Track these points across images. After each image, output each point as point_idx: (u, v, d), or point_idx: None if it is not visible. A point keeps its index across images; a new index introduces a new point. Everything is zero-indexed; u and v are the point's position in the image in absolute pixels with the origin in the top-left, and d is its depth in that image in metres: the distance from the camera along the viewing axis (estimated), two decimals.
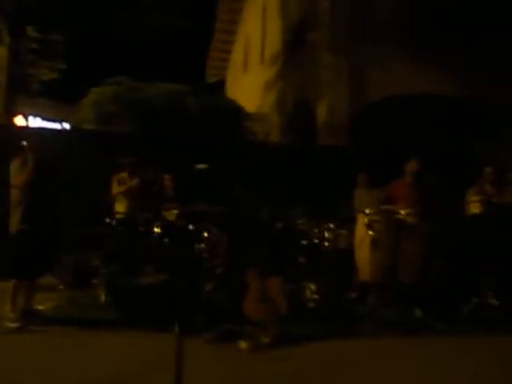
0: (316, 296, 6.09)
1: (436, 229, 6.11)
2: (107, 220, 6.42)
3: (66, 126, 11.11)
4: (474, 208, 6.12)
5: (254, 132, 9.16)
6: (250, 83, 14.70)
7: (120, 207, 6.69)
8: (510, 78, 8.01)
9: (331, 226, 6.54)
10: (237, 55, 18.08)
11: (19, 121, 8.68)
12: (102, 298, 5.97)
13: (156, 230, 6.31)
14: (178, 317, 3.66)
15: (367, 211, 6.26)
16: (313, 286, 6.13)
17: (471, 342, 5.21)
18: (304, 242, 6.50)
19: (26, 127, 8.69)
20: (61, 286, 6.59)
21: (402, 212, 6.14)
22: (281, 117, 9.35)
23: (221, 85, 19.89)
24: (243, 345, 4.85)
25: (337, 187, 7.06)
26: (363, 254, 6.33)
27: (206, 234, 6.36)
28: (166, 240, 6.26)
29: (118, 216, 6.49)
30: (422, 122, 7.88)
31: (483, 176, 6.51)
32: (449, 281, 6.18)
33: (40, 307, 5.64)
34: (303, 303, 6.04)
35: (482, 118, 7.94)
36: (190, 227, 6.34)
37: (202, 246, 6.31)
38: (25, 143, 5.42)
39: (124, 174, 6.79)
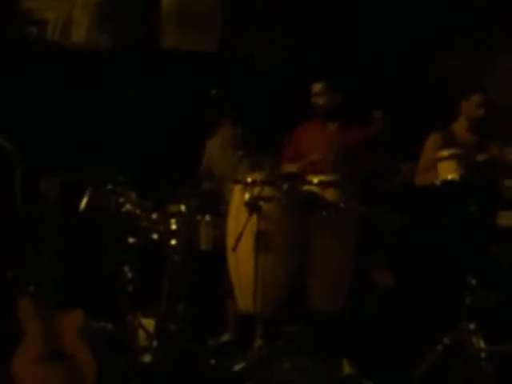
0: (155, 343, 4.05)
1: (379, 211, 4.18)
2: None
3: None
4: (446, 170, 4.01)
5: (41, 21, 6.95)
6: None
7: None
8: None
9: (182, 208, 4.24)
10: None
11: None
12: None
13: None
14: None
15: (249, 179, 3.97)
16: (150, 324, 4.15)
17: None
18: (131, 240, 4.25)
19: None
20: None
21: (315, 180, 4.00)
22: None
23: None
24: None
25: (190, 130, 5.04)
26: (242, 261, 4.02)
27: None
28: None
29: None
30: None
31: (462, 111, 4.47)
32: (400, 307, 4.30)
33: None
34: (133, 358, 4.03)
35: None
36: None
37: None
38: None
39: None
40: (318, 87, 4.55)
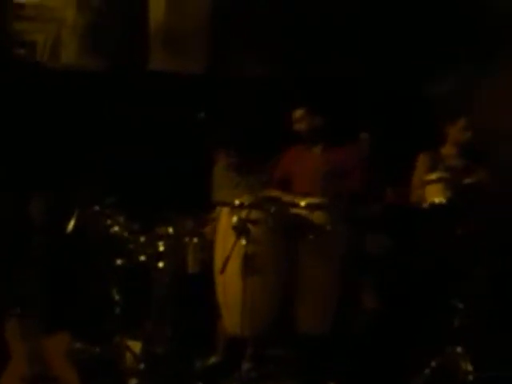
0: (142, 365, 4.04)
1: (365, 234, 4.19)
2: None
3: None
4: (434, 193, 4.09)
5: (29, 43, 6.56)
6: None
7: None
8: None
9: (170, 230, 4.27)
10: None
11: None
12: None
13: None
14: None
15: (237, 202, 4.00)
16: (137, 346, 4.14)
17: None
18: (119, 262, 4.24)
19: None
20: None
21: (302, 203, 4.02)
22: (82, 16, 6.78)
23: None
24: None
25: (180, 155, 4.99)
26: (230, 284, 4.03)
27: None
28: None
29: None
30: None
31: (449, 136, 4.55)
32: (387, 330, 4.27)
33: None
34: (119, 380, 4.09)
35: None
36: None
37: None
38: None
39: None
40: (298, 113, 4.58)
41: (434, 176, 4.20)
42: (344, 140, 4.62)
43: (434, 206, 4.12)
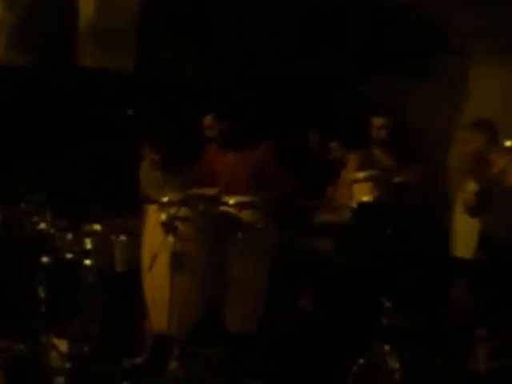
0: (68, 364, 3.97)
1: (294, 233, 4.20)
2: None
3: None
4: (362, 192, 4.12)
5: None
6: None
7: None
8: None
9: (97, 227, 4.26)
10: None
11: None
12: None
13: None
14: None
15: (165, 199, 3.99)
16: (64, 344, 4.06)
17: None
18: (45, 260, 4.18)
19: None
20: None
21: (231, 201, 4.03)
22: (11, 11, 6.64)
23: None
24: None
25: (108, 152, 4.95)
26: (157, 282, 4.02)
27: None
28: None
29: None
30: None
31: (372, 135, 4.56)
32: (315, 328, 4.26)
33: None
34: (45, 379, 3.93)
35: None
36: None
37: None
38: None
39: None
40: (207, 120, 4.54)
41: (361, 175, 4.22)
42: (260, 140, 4.52)
43: (361, 204, 4.18)
